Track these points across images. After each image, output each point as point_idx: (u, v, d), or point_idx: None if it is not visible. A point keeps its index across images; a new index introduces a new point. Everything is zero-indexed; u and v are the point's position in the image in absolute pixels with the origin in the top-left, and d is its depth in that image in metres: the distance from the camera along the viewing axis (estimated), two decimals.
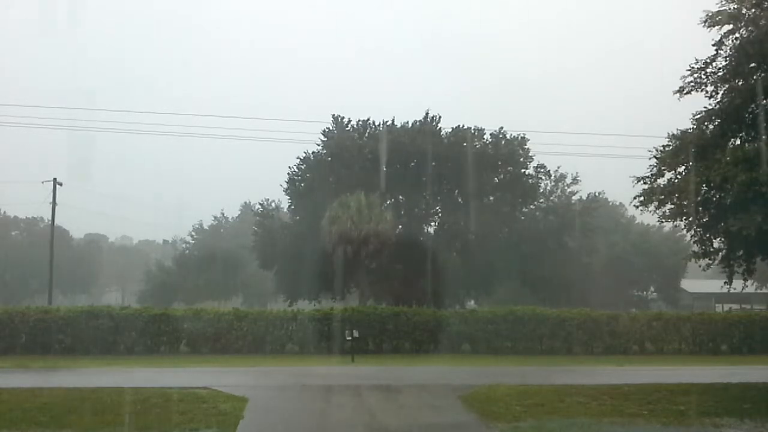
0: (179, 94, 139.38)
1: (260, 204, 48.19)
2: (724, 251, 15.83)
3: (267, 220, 45.40)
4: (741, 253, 15.63)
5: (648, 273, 60.80)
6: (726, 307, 46.55)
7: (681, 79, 15.28)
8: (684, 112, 15.84)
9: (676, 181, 15.53)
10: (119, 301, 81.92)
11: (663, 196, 15.43)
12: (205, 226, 79.14)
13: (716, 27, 14.66)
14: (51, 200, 41.20)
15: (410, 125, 41.33)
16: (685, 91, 15.26)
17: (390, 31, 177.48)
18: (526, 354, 25.61)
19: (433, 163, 40.06)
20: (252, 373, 19.40)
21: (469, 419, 11.75)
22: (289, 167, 41.96)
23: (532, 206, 44.35)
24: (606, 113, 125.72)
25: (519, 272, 42.77)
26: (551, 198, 46.24)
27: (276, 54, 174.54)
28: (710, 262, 16.33)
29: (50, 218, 44.53)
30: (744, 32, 14.44)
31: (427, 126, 41.08)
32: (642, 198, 15.76)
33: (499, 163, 41.78)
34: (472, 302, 48.69)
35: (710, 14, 14.70)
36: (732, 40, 14.61)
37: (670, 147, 15.59)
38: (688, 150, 15.21)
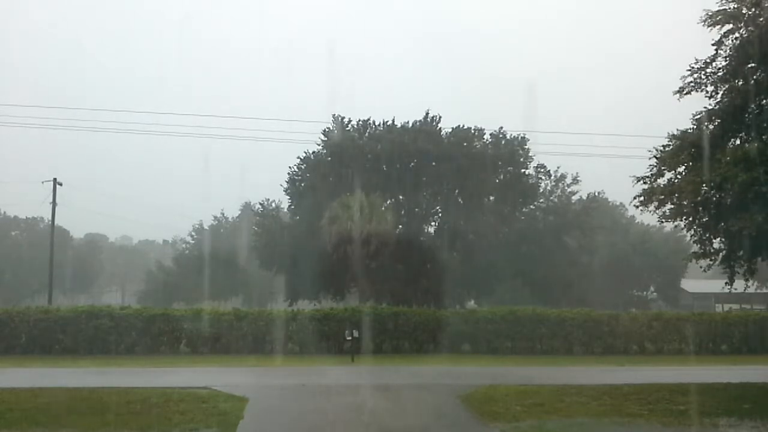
0: (179, 94, 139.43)
1: (260, 204, 48.29)
2: (724, 251, 15.83)
3: (267, 220, 45.43)
4: (741, 253, 15.63)
5: (648, 273, 60.85)
6: (726, 307, 46.55)
7: (681, 79, 15.31)
8: (684, 112, 15.86)
9: (676, 181, 15.53)
10: (119, 301, 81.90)
11: (663, 196, 15.43)
12: (205, 226, 79.04)
13: (716, 27, 14.66)
14: (51, 200, 41.17)
15: (410, 125, 41.36)
16: (685, 92, 15.26)
17: (390, 31, 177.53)
18: (526, 354, 25.60)
19: (433, 163, 40.11)
20: (252, 373, 19.39)
21: (468, 419, 11.74)
22: (289, 167, 42.05)
23: (532, 206, 44.40)
24: (606, 113, 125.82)
25: (519, 272, 42.80)
26: (551, 198, 46.31)
27: (276, 54, 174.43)
28: (711, 262, 16.33)
29: (50, 218, 44.52)
30: (744, 32, 14.43)
31: (427, 126, 41.11)
32: (642, 198, 15.76)
33: (499, 163, 41.81)
34: (472, 302, 48.70)
35: (710, 14, 14.70)
36: (732, 40, 14.61)
37: (670, 147, 15.59)
38: (688, 150, 15.21)
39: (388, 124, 41.46)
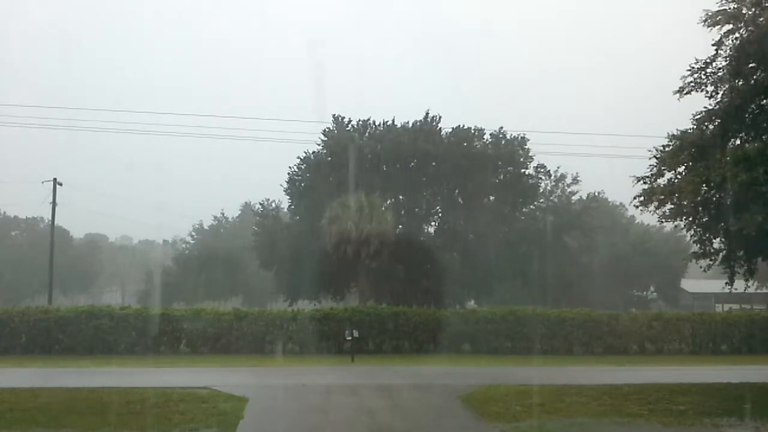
0: (180, 94, 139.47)
1: (260, 204, 48.37)
2: (724, 251, 15.82)
3: (267, 220, 45.45)
4: (741, 253, 15.62)
5: (648, 273, 60.82)
6: (726, 307, 46.57)
7: (681, 79, 15.30)
8: (684, 112, 15.85)
9: (676, 181, 15.52)
10: (119, 301, 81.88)
11: (663, 196, 15.42)
12: (205, 226, 79.06)
13: (716, 27, 14.66)
14: (51, 200, 41.16)
15: (410, 125, 41.38)
16: (685, 91, 15.26)
17: (390, 31, 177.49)
18: (526, 354, 25.57)
19: (433, 163, 40.12)
20: (252, 373, 19.38)
21: (468, 419, 11.75)
22: (290, 167, 42.08)
23: (532, 206, 44.39)
24: (606, 113, 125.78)
25: (519, 272, 42.77)
26: (551, 198, 46.30)
27: (276, 54, 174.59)
28: (711, 262, 16.32)
29: (50, 218, 44.52)
30: (744, 32, 14.43)
31: (427, 126, 41.13)
32: (642, 198, 15.75)
33: (499, 163, 41.83)
34: (472, 302, 48.71)
35: (710, 14, 14.70)
36: (732, 40, 14.60)
37: (670, 147, 15.58)
38: (688, 150, 15.21)
39: (388, 124, 41.49)
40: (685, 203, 15.23)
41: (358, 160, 39.63)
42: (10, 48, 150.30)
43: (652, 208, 15.80)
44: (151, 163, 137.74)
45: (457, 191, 42.23)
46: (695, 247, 16.35)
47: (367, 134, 41.48)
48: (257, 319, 26.04)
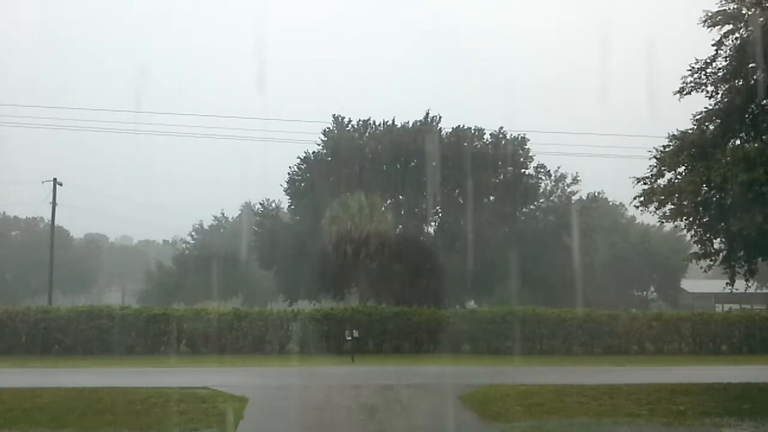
0: (179, 94, 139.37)
1: (260, 204, 48.32)
2: (724, 252, 15.82)
3: (267, 220, 45.45)
4: (742, 253, 15.63)
5: (648, 273, 60.87)
6: (726, 307, 46.59)
7: (681, 79, 15.30)
8: (684, 112, 15.85)
9: (677, 181, 15.51)
10: (119, 301, 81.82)
11: (663, 197, 15.41)
12: (205, 226, 79.05)
13: (716, 27, 14.66)
14: (51, 200, 41.19)
15: (410, 125, 41.39)
16: (685, 92, 15.26)
17: (391, 31, 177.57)
18: (526, 354, 25.57)
19: (433, 163, 40.12)
20: (252, 373, 19.38)
21: (469, 419, 11.75)
22: (290, 167, 42.10)
23: (532, 206, 44.41)
24: (606, 113, 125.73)
25: (519, 272, 42.71)
26: (551, 198, 46.28)
27: (277, 54, 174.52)
28: (711, 263, 16.31)
29: (50, 218, 44.54)
30: (744, 32, 14.43)
31: (427, 126, 41.15)
32: (642, 198, 15.74)
33: (499, 163, 41.85)
34: (472, 302, 48.68)
35: (710, 14, 14.70)
36: (732, 40, 14.61)
37: (670, 147, 15.58)
38: (688, 150, 15.21)
39: (388, 124, 41.51)
40: (686, 203, 15.23)
41: (358, 160, 39.65)
42: (10, 48, 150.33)
43: (652, 208, 15.79)
44: (151, 163, 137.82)
45: (457, 191, 42.22)
46: (695, 248, 16.37)
47: (367, 134, 41.51)
48: (257, 319, 26.06)
